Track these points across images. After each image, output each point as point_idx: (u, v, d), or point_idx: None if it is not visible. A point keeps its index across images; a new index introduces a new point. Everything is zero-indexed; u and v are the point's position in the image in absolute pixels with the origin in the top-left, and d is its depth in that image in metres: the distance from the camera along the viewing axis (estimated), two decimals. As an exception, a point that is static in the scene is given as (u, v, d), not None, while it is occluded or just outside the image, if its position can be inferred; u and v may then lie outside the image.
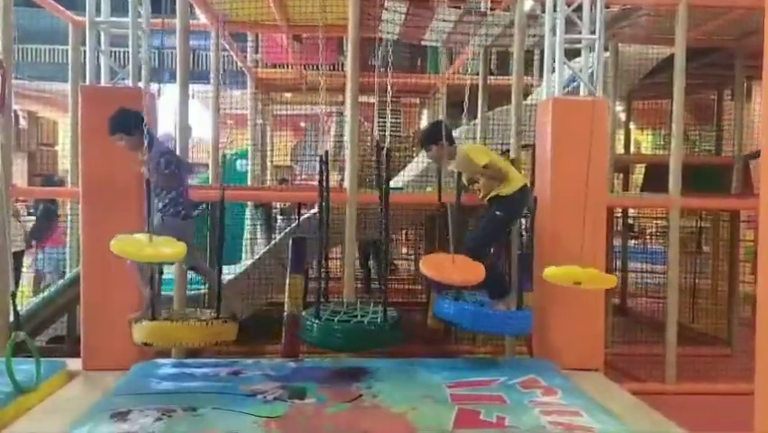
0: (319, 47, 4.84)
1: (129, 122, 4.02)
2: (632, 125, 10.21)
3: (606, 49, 6.03)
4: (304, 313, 4.26)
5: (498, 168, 4.45)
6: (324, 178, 4.33)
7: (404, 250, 11.67)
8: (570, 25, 4.96)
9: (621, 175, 9.60)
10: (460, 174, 4.51)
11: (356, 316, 4.24)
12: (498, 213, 4.44)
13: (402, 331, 4.22)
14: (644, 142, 13.56)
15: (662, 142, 11.60)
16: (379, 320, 4.09)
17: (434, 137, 4.49)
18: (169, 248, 3.58)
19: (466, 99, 4.79)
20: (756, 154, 3.86)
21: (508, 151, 5.75)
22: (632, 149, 10.38)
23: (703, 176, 7.27)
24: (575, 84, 5.55)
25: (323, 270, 4.33)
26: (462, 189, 4.55)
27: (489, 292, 4.51)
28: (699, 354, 6.54)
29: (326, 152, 4.42)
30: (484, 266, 4.18)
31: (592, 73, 5.02)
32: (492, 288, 4.47)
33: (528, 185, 4.55)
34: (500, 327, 4.54)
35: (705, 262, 8.48)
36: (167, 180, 4.06)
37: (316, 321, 4.06)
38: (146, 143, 3.93)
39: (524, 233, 5.58)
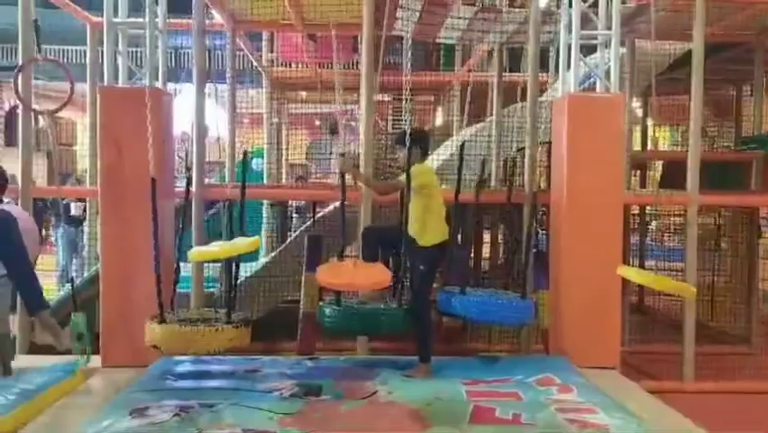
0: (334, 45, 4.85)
1: None
2: (649, 122, 10.11)
3: (622, 45, 5.97)
4: (321, 303, 4.37)
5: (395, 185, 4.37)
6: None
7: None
8: (585, 22, 4.93)
9: (638, 172, 9.51)
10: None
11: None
12: (421, 267, 4.22)
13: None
14: (662, 138, 13.42)
15: (680, 139, 11.48)
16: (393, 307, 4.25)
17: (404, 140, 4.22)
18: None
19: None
20: None
21: (523, 149, 5.72)
22: (649, 145, 10.28)
23: (722, 172, 7.19)
24: (591, 80, 5.51)
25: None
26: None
27: (417, 351, 4.30)
28: (718, 352, 6.46)
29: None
30: (421, 322, 4.21)
31: (608, 69, 4.99)
32: (422, 348, 4.28)
33: (446, 241, 4.30)
34: (504, 316, 4.54)
35: (723, 260, 8.38)
36: None
37: (337, 307, 4.23)
38: None
39: (539, 230, 5.56)
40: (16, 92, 4.83)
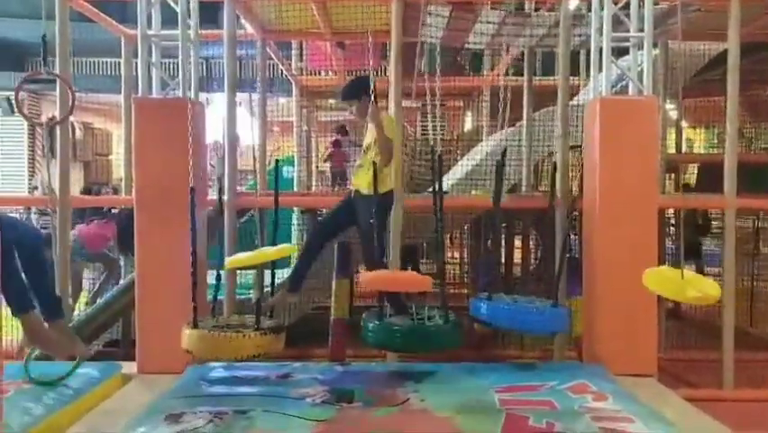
0: (362, 53, 4.90)
1: None
2: (684, 124, 9.93)
3: (655, 46, 5.88)
4: (364, 315, 4.32)
5: (390, 148, 4.49)
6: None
7: (449, 254, 11.59)
8: (617, 24, 4.87)
9: (673, 175, 9.35)
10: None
11: (415, 318, 4.29)
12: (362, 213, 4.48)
13: (461, 334, 4.26)
14: (697, 140, 13.18)
15: (716, 141, 11.26)
16: (439, 322, 4.16)
17: (357, 92, 4.50)
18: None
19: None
20: None
21: (553, 153, 5.67)
22: (684, 148, 10.09)
23: (760, 175, 7.02)
24: (624, 83, 5.44)
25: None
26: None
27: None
28: (758, 359, 6.29)
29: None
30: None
31: (641, 72, 4.92)
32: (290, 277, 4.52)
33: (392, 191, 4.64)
34: (534, 324, 4.45)
35: (763, 264, 8.17)
36: None
37: (377, 322, 4.15)
38: None
39: (572, 235, 5.50)
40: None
